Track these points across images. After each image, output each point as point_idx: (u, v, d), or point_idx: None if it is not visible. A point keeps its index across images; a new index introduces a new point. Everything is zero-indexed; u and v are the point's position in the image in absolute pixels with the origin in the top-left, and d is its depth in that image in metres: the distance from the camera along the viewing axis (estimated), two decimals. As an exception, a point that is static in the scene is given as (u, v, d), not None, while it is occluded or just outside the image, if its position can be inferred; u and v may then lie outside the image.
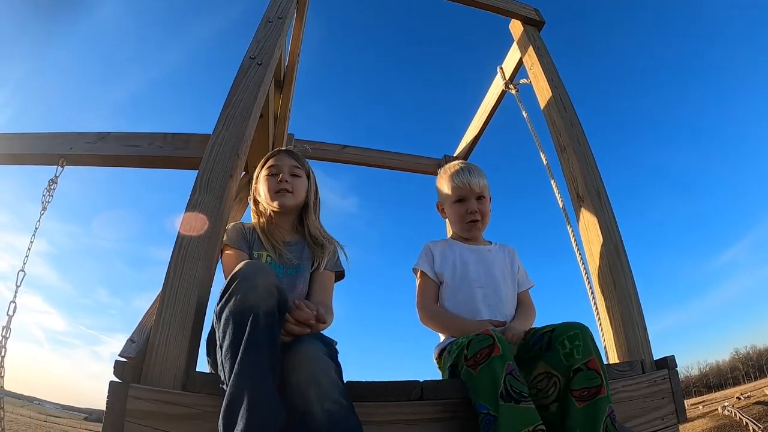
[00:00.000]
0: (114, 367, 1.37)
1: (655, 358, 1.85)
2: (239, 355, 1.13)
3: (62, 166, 2.85)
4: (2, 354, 1.72)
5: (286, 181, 1.85)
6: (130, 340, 1.52)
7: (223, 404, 1.10)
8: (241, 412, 1.06)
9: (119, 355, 1.44)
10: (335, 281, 1.88)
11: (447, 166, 2.15)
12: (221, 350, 1.19)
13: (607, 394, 1.34)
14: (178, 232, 1.65)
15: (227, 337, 1.18)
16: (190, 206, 1.70)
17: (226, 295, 1.23)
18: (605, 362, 1.91)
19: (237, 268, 1.27)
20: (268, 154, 1.96)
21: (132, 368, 1.37)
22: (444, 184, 2.10)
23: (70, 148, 2.86)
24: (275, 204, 1.84)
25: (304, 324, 1.34)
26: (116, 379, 1.34)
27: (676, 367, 1.81)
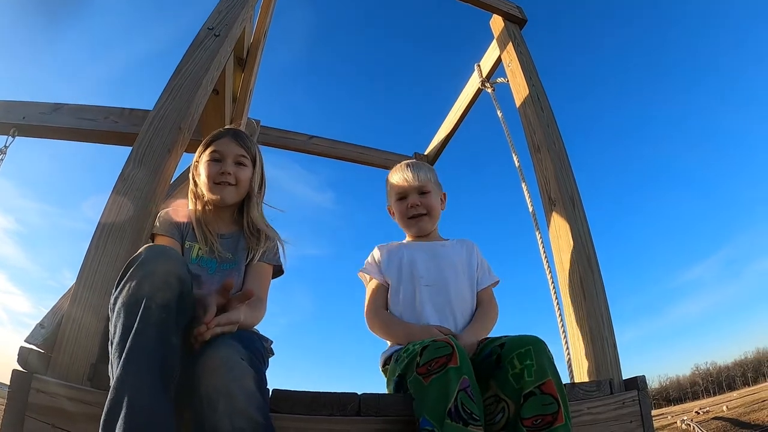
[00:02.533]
0: (18, 355, 1.22)
1: (623, 378, 1.71)
2: (123, 355, 0.97)
3: (13, 136, 2.65)
4: None
5: (229, 173, 1.65)
6: (40, 326, 1.37)
7: (103, 412, 0.92)
8: (118, 425, 0.89)
9: (25, 340, 1.29)
10: (273, 277, 1.69)
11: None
12: (111, 346, 1.02)
13: (566, 422, 1.17)
14: (103, 210, 1.48)
15: (117, 331, 1.01)
16: (121, 180, 1.55)
17: (121, 283, 1.06)
18: (570, 381, 1.77)
19: (137, 252, 1.10)
20: (213, 134, 1.75)
21: (37, 357, 1.24)
22: (387, 184, 2.01)
23: (23, 118, 2.68)
24: (214, 197, 1.64)
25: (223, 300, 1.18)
26: (20, 368, 1.20)
27: (647, 388, 1.67)
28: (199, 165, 1.70)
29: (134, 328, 0.99)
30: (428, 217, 1.91)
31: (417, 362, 1.23)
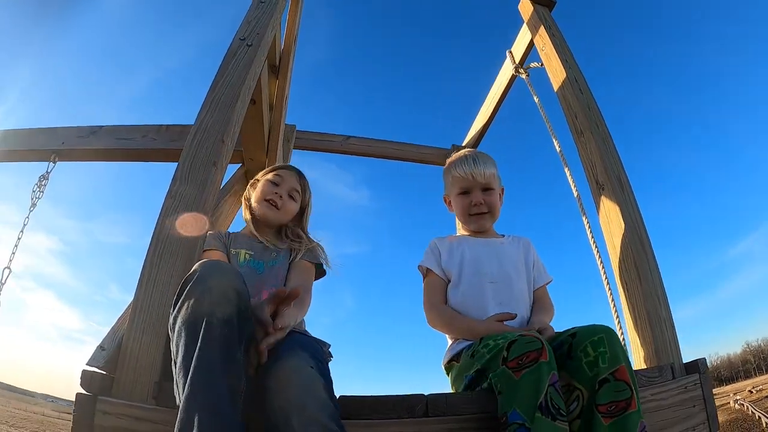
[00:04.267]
0: (81, 378, 1.23)
1: (683, 361, 1.67)
2: (189, 373, 0.97)
3: (54, 162, 2.75)
4: None
5: (281, 197, 1.84)
6: (100, 348, 1.39)
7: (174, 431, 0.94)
8: None
9: (87, 363, 1.31)
10: (315, 278, 1.80)
11: (453, 156, 2.00)
12: (175, 366, 1.03)
13: (638, 408, 1.17)
14: (155, 229, 1.51)
15: (179, 351, 1.02)
16: (170, 197, 1.58)
17: (179, 301, 1.07)
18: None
19: (192, 269, 1.11)
20: (282, 164, 2.03)
21: (101, 379, 1.25)
22: (448, 175, 1.96)
23: (62, 143, 2.77)
24: (259, 209, 1.84)
25: (279, 300, 1.21)
26: (83, 391, 1.21)
27: (708, 370, 1.63)
28: (260, 181, 1.90)
29: (197, 347, 0.99)
30: (489, 215, 1.89)
31: (504, 357, 1.23)
